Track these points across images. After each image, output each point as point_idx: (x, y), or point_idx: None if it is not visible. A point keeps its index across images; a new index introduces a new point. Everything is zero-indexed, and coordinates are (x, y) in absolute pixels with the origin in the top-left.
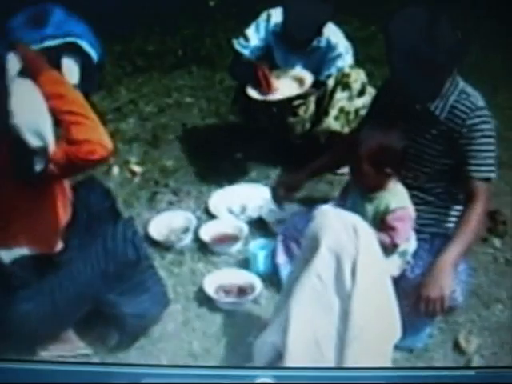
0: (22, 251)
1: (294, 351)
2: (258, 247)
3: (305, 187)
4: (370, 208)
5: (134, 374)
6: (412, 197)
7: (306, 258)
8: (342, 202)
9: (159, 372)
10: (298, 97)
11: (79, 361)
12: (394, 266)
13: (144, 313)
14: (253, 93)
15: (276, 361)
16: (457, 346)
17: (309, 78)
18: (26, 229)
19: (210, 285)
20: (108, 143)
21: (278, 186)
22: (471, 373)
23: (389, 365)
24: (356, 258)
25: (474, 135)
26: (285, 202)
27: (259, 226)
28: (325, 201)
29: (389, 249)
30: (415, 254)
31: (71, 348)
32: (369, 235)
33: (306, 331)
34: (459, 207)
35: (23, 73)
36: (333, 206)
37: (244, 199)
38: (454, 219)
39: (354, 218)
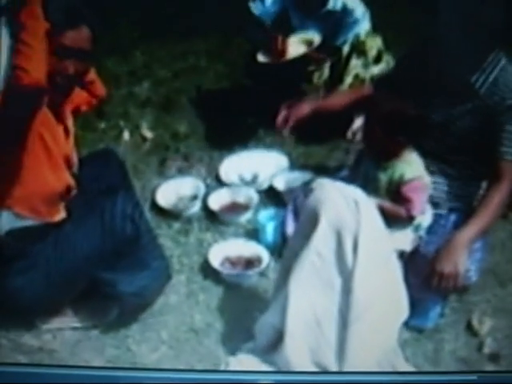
0: (15, 221)
1: (294, 331)
2: (267, 217)
3: (319, 155)
4: (383, 177)
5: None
6: (432, 166)
7: (305, 233)
8: (355, 172)
9: (159, 376)
10: (311, 62)
11: (79, 365)
12: (406, 240)
13: (143, 291)
14: (263, 58)
15: (277, 342)
16: (469, 327)
17: (317, 39)
18: (12, 190)
19: (216, 256)
20: (38, 72)
21: (283, 108)
22: (473, 377)
23: (395, 345)
24: (358, 233)
25: (508, 113)
26: (285, 129)
27: (270, 195)
28: (339, 169)
29: (404, 221)
30: (429, 229)
31: (68, 321)
32: (371, 209)
33: (306, 310)
34: (479, 184)
35: None
36: (345, 175)
37: (256, 167)
38: (473, 196)
39: (354, 191)
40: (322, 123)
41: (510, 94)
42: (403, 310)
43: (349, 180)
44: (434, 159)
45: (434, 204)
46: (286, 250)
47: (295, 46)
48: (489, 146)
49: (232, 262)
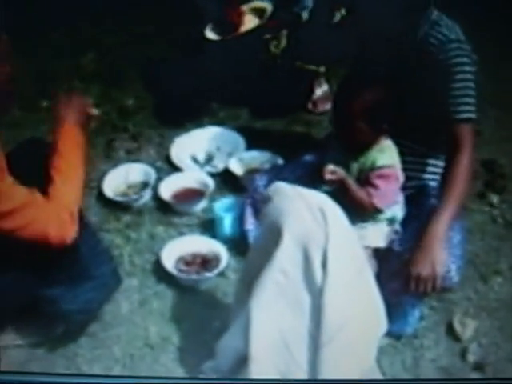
0: None
1: (259, 356)
2: (224, 208)
3: (278, 130)
4: (355, 166)
5: None
6: (398, 146)
7: (267, 248)
8: (321, 157)
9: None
10: (266, 31)
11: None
12: (381, 235)
13: (89, 306)
14: (213, 35)
15: (241, 365)
16: (451, 331)
17: (269, 7)
18: None
19: (169, 256)
20: None
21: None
22: None
23: (372, 363)
24: (326, 247)
25: (449, 70)
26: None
27: (227, 179)
28: (302, 145)
29: (367, 210)
30: (403, 223)
31: (10, 339)
32: (339, 217)
33: (272, 333)
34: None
35: None
36: (310, 160)
37: (210, 146)
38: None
39: (319, 198)
40: (280, 95)
41: (440, 48)
42: (381, 324)
43: (314, 167)
44: (398, 137)
45: (403, 187)
46: (246, 262)
47: (249, 17)
48: (441, 113)
49: (187, 261)
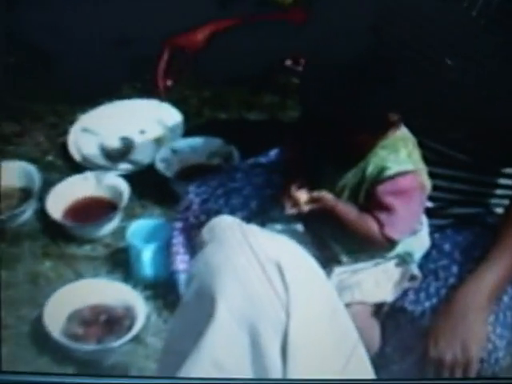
0: None
1: None
2: (143, 233)
3: (233, 103)
4: (348, 176)
5: None
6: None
7: (196, 321)
8: (294, 156)
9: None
10: None
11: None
12: (385, 282)
13: None
14: None
15: None
16: None
17: None
18: None
19: (57, 312)
20: None
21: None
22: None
23: None
24: (287, 328)
25: None
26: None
27: (151, 185)
28: (271, 130)
29: (376, 245)
30: (424, 266)
31: None
32: (308, 274)
33: None
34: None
35: None
36: (275, 158)
37: (129, 128)
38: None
39: (278, 246)
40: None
41: None
42: None
43: (283, 175)
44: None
45: (434, 214)
46: (171, 332)
47: None
48: None
49: (85, 321)
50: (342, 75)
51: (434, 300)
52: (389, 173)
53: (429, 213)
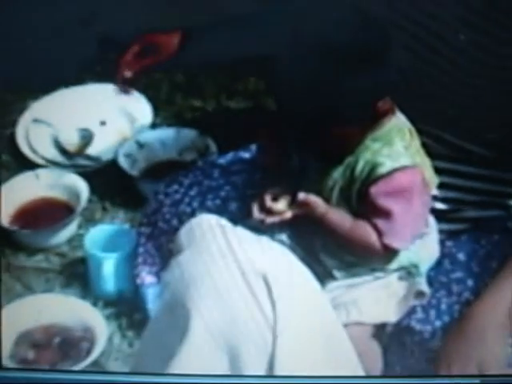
0: None
1: None
2: (104, 242)
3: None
4: (336, 176)
5: None
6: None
7: (166, 335)
8: (277, 152)
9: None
10: None
11: None
12: (388, 299)
13: None
14: None
15: None
16: None
17: None
18: None
19: (3, 335)
20: None
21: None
22: (476, 381)
23: None
24: (274, 350)
25: None
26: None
27: (113, 182)
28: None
29: (375, 256)
30: (434, 279)
31: None
32: (299, 289)
33: None
34: None
35: None
36: (253, 156)
37: (88, 118)
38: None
39: (267, 256)
40: None
41: None
42: None
43: (266, 174)
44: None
45: (445, 218)
46: (139, 354)
47: None
48: None
49: (37, 343)
50: (319, 58)
51: (446, 318)
52: (382, 170)
53: (440, 216)
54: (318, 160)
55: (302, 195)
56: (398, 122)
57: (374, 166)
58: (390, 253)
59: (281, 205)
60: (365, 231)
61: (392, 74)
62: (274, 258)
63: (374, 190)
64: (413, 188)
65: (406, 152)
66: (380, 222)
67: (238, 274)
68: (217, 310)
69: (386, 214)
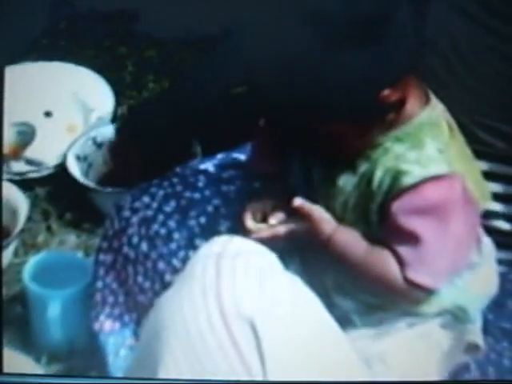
0: None
1: None
2: (48, 274)
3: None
4: (348, 189)
5: None
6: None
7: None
8: (273, 153)
9: None
10: None
11: None
12: (428, 354)
13: None
14: None
15: None
16: None
17: None
18: None
19: None
20: None
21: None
22: None
23: None
24: None
25: None
26: None
27: (61, 194)
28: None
29: (394, 294)
30: (492, 326)
31: None
32: (312, 341)
33: None
34: None
35: None
36: (248, 157)
37: (24, 109)
38: None
39: (262, 297)
40: None
41: None
42: None
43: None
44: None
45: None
46: None
47: None
48: None
49: None
50: (303, 29)
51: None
52: (408, 180)
53: (502, 240)
54: (323, 166)
55: (298, 201)
56: (432, 114)
57: (396, 176)
58: (420, 290)
59: (273, 220)
60: (382, 260)
61: (397, 54)
62: (274, 299)
63: (397, 206)
64: (449, 203)
65: (440, 156)
66: (402, 249)
67: (217, 317)
68: (186, 363)
69: (411, 238)
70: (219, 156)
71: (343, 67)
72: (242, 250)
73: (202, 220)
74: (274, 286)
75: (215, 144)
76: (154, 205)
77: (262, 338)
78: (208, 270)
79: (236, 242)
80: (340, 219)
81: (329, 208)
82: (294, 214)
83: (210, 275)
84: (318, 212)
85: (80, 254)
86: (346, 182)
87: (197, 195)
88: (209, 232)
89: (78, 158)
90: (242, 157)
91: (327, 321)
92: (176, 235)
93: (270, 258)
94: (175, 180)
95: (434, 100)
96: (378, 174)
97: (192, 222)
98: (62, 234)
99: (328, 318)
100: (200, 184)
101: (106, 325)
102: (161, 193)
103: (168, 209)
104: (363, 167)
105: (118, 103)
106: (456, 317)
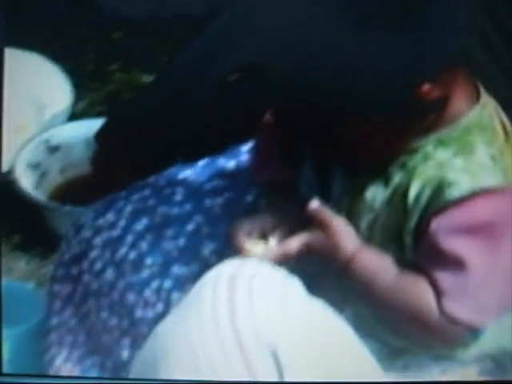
0: None
1: None
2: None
3: None
4: (377, 204)
5: None
6: None
7: None
8: (282, 158)
9: None
10: None
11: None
12: None
13: None
14: None
15: None
16: None
17: None
18: None
19: None
20: None
21: None
22: None
23: None
24: None
25: None
26: None
27: (6, 210)
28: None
29: (428, 332)
30: None
31: None
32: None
33: None
34: None
35: None
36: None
37: None
38: None
39: (283, 322)
40: None
41: None
42: None
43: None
44: None
45: None
46: None
47: None
48: None
49: None
50: (322, 12)
51: None
52: (453, 193)
53: None
54: (346, 174)
55: (315, 203)
56: (482, 114)
57: (439, 187)
58: (462, 328)
59: (274, 241)
60: (415, 288)
61: (441, 41)
62: (299, 323)
63: (438, 223)
64: (502, 223)
65: (493, 164)
66: (442, 275)
67: (230, 342)
68: None
69: (453, 263)
70: (201, 163)
71: (375, 55)
72: (259, 271)
73: (181, 241)
74: (299, 309)
75: (202, 146)
76: (122, 223)
77: (285, 367)
78: (219, 291)
79: (252, 263)
80: (365, 240)
81: (351, 227)
82: (302, 231)
83: (221, 296)
84: (339, 222)
85: (31, 285)
86: (375, 194)
87: (174, 211)
88: (189, 256)
89: (28, 165)
90: (230, 164)
91: (358, 350)
92: (148, 260)
93: (293, 280)
94: (147, 192)
95: (486, 97)
96: (416, 186)
97: (168, 244)
98: (8, 259)
99: (359, 347)
100: (178, 197)
101: (63, 370)
102: (129, 208)
103: (138, 227)
104: (397, 177)
105: (77, 97)
106: (499, 363)
